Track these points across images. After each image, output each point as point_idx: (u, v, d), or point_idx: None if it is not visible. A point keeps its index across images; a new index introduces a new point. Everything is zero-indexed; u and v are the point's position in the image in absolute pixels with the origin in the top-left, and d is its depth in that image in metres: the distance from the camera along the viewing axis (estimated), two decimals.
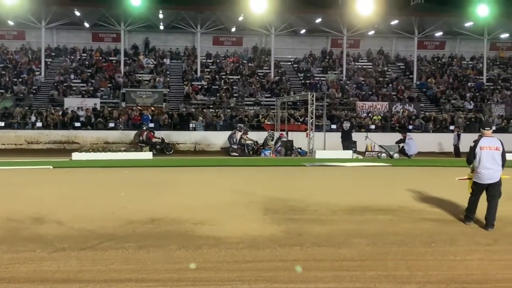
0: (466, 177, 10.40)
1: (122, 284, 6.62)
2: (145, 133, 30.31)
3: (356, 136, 29.39)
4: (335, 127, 34.12)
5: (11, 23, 43.82)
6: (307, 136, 28.17)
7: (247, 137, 30.19)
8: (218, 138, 34.36)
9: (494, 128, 10.82)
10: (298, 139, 29.98)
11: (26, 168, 19.45)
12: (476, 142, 9.95)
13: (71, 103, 37.72)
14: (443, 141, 34.35)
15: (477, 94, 44.72)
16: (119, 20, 42.71)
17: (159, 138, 30.71)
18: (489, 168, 9.66)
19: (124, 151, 25.91)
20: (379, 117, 38.87)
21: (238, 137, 29.78)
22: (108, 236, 8.69)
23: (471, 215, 10.03)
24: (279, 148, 28.44)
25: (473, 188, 10.05)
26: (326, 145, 28.86)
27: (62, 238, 8.56)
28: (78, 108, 36.81)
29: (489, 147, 9.70)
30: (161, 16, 44.19)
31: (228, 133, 31.61)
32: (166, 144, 30.83)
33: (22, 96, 39.47)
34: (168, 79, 43.88)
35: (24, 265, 7.22)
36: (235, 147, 29.41)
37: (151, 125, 34.63)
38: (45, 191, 13.51)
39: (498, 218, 9.70)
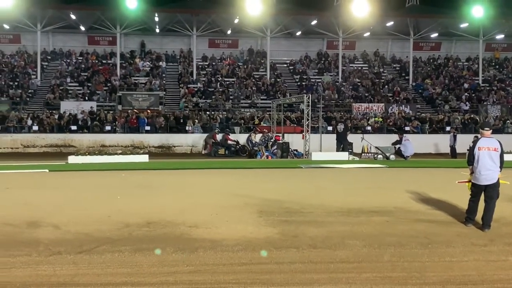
0: (466, 180, 10.33)
1: (118, 287, 6.60)
2: (217, 135, 31.16)
3: (352, 137, 29.38)
4: (331, 129, 34.13)
5: (6, 26, 43.99)
6: (303, 138, 28.20)
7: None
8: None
9: None
10: (294, 141, 30.01)
11: (22, 172, 19.42)
12: (474, 142, 9.89)
13: (68, 106, 37.74)
14: (439, 142, 34.43)
15: (473, 95, 44.81)
16: (115, 23, 42.72)
17: (234, 140, 31.05)
18: (487, 169, 9.55)
19: (121, 154, 25.77)
20: (380, 118, 38.86)
21: (257, 139, 29.88)
22: (104, 239, 8.66)
23: (472, 217, 9.91)
24: (275, 150, 28.45)
25: (472, 189, 9.97)
26: (322, 147, 28.91)
27: (58, 241, 8.53)
28: (75, 111, 36.77)
29: (488, 148, 9.58)
30: (156, 19, 44.34)
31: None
32: (241, 146, 31.00)
33: (18, 99, 39.41)
34: (164, 82, 43.90)
35: (20, 269, 7.18)
36: (256, 148, 29.49)
37: (147, 128, 34.65)
38: (41, 195, 13.47)
39: (495, 219, 9.68)
